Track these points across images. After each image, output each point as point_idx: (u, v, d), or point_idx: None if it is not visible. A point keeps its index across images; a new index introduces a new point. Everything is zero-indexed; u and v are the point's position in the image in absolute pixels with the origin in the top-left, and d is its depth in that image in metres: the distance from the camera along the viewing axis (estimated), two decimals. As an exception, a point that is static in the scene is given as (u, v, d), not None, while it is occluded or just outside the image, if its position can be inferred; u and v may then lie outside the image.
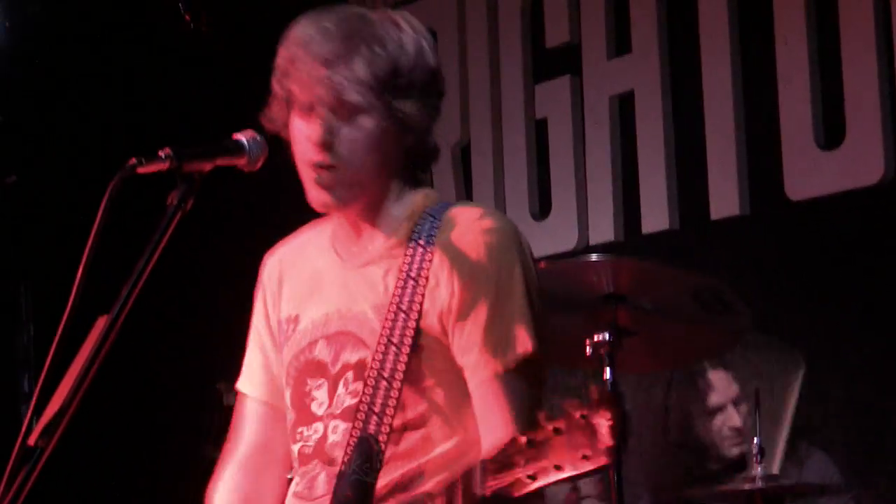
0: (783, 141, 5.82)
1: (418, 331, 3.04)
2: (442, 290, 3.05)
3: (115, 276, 2.79)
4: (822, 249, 5.75)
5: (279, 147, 3.14)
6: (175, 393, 6.21)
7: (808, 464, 5.25)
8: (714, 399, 5.33)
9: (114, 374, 2.99)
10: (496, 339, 3.01)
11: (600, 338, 3.97)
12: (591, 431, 2.32)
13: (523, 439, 2.41)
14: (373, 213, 3.18)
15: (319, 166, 3.09)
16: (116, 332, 2.71)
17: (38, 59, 7.19)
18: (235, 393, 3.44)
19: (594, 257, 4.16)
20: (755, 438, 4.83)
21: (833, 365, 5.64)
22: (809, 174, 5.74)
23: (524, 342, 3.01)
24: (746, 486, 4.63)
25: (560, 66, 6.63)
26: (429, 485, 2.97)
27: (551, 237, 6.48)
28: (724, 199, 5.99)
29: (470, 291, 3.03)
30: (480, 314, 3.02)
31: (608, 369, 3.99)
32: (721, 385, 5.31)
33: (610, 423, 2.31)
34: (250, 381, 3.39)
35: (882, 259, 5.58)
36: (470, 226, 3.11)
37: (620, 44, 6.42)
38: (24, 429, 2.61)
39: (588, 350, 4.00)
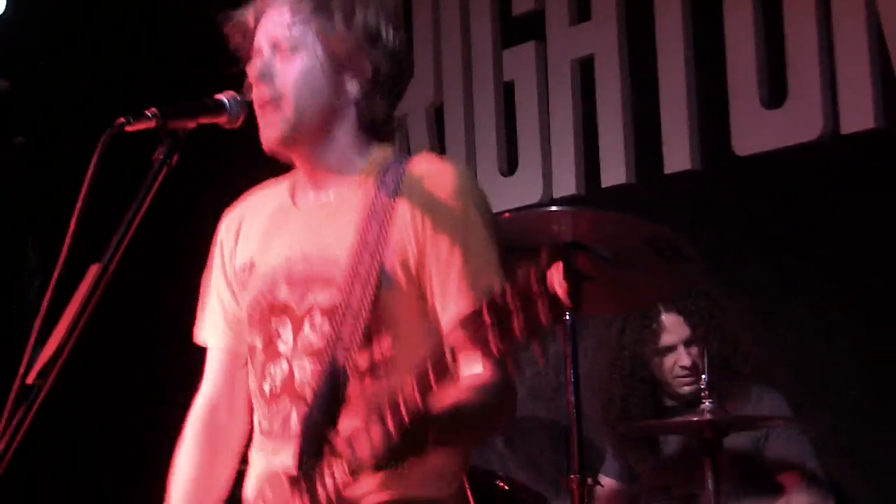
0: (730, 101, 5.81)
1: (382, 268, 2.99)
2: (408, 230, 3.01)
3: (107, 227, 2.74)
4: (768, 201, 5.74)
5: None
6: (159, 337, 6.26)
7: (759, 402, 5.21)
8: (666, 339, 5.30)
9: (105, 319, 2.94)
10: (468, 274, 2.96)
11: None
12: (546, 288, 2.32)
13: (485, 308, 2.39)
14: (331, 164, 3.15)
15: (262, 103, 3.07)
16: (106, 279, 2.69)
17: (40, 25, 7.13)
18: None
19: (555, 208, 4.11)
20: (703, 375, 4.82)
21: (782, 309, 5.63)
22: (755, 131, 5.72)
23: (492, 275, 2.96)
24: (696, 419, 4.59)
25: (525, 33, 6.59)
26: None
27: (518, 191, 6.47)
28: (677, 155, 5.97)
29: (436, 232, 2.99)
30: (449, 252, 2.98)
31: (567, 315, 3.94)
32: (673, 327, 5.28)
33: (561, 274, 2.32)
34: (211, 332, 3.37)
35: (823, 209, 5.57)
36: (431, 172, 3.08)
37: (581, 11, 6.37)
38: (21, 369, 2.59)
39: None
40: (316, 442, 2.92)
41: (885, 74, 5.33)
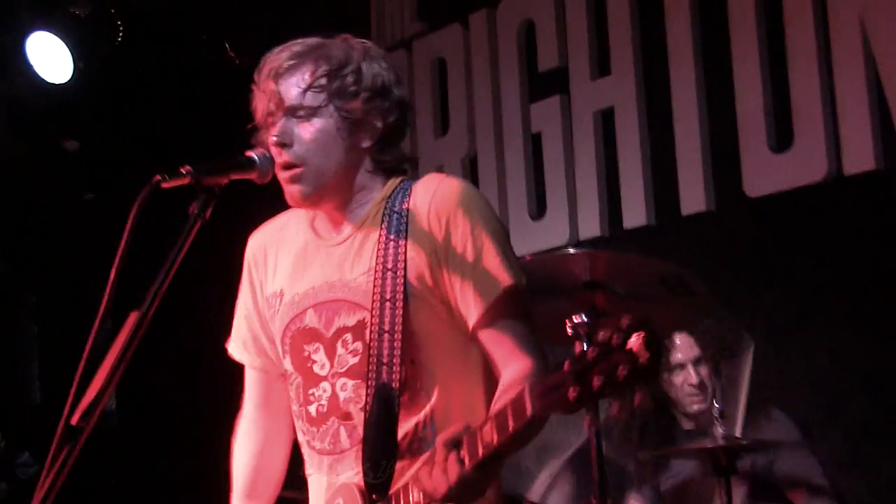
0: (741, 146, 5.80)
1: (406, 284, 2.99)
2: (424, 246, 3.01)
3: (144, 276, 2.75)
4: (778, 237, 5.72)
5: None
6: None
7: (769, 424, 5.19)
8: (677, 357, 5.28)
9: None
10: (479, 284, 2.96)
11: (579, 319, 3.91)
12: (627, 351, 2.29)
13: (568, 367, 2.38)
14: (350, 203, 3.14)
15: (285, 167, 3.06)
16: (145, 326, 2.67)
17: (103, 90, 7.19)
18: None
19: (572, 251, 4.11)
20: (715, 403, 4.79)
21: (791, 337, 5.60)
22: (764, 174, 5.71)
23: (504, 277, 2.96)
24: (709, 444, 4.57)
25: (551, 88, 6.60)
26: (444, 427, 2.86)
27: (546, 234, 6.48)
28: (693, 198, 5.97)
29: (448, 242, 3.00)
30: (462, 258, 2.99)
31: (586, 345, 3.93)
32: (684, 346, 5.26)
33: (643, 335, 2.28)
34: (243, 351, 3.37)
35: (829, 244, 5.55)
36: (435, 187, 3.08)
37: (602, 67, 6.39)
38: (66, 411, 2.57)
39: (569, 330, 3.94)
40: (379, 459, 2.94)
41: (883, 119, 5.32)
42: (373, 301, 3.00)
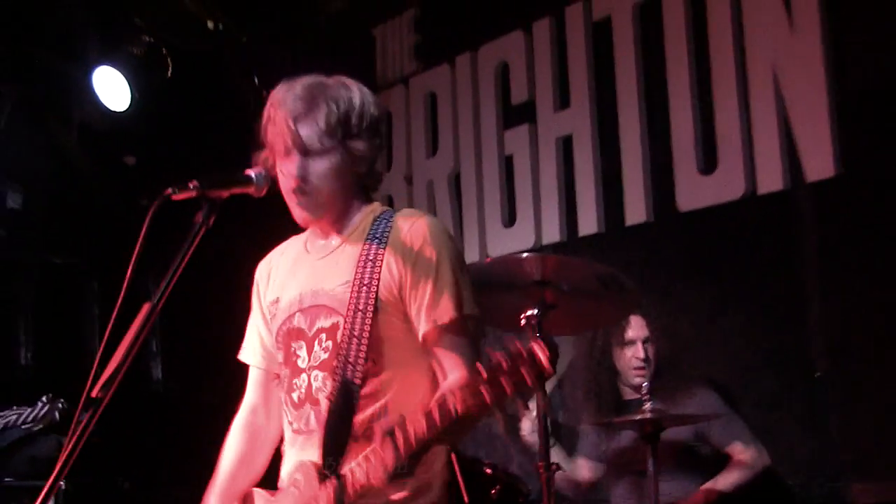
0: (675, 169, 5.79)
1: (377, 299, 2.98)
2: (394, 269, 3.00)
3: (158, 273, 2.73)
4: (703, 245, 5.72)
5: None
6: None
7: (695, 399, 5.15)
8: (629, 334, 5.27)
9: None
10: (434, 304, 2.96)
11: (531, 311, 3.89)
12: (532, 362, 2.34)
13: (484, 374, 2.40)
14: (339, 222, 3.14)
15: (298, 193, 3.05)
16: (155, 315, 2.67)
17: (157, 116, 7.18)
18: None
19: (525, 255, 4.08)
20: (644, 382, 4.76)
21: (713, 326, 5.60)
22: (693, 192, 5.70)
23: (456, 305, 2.96)
24: (638, 417, 4.54)
25: (521, 118, 6.58)
26: (393, 417, 2.85)
27: (516, 239, 6.47)
28: (635, 211, 5.95)
29: (415, 269, 2.99)
30: (423, 288, 2.98)
31: (537, 334, 3.91)
32: (636, 325, 5.25)
33: (543, 346, 2.34)
34: (251, 353, 3.36)
35: (743, 251, 5.54)
36: (412, 224, 3.06)
37: (563, 101, 6.37)
38: (88, 385, 2.57)
39: (522, 321, 3.91)
40: (337, 441, 2.93)
41: (789, 150, 5.31)
42: (347, 309, 2.99)
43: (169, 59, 7.10)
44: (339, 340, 2.99)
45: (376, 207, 3.18)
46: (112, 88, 6.99)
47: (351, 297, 3.00)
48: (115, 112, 7.00)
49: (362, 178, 3.14)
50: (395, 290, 2.99)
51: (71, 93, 7.12)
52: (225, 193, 2.81)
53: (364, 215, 3.14)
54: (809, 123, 5.20)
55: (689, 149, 5.69)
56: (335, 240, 3.14)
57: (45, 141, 7.54)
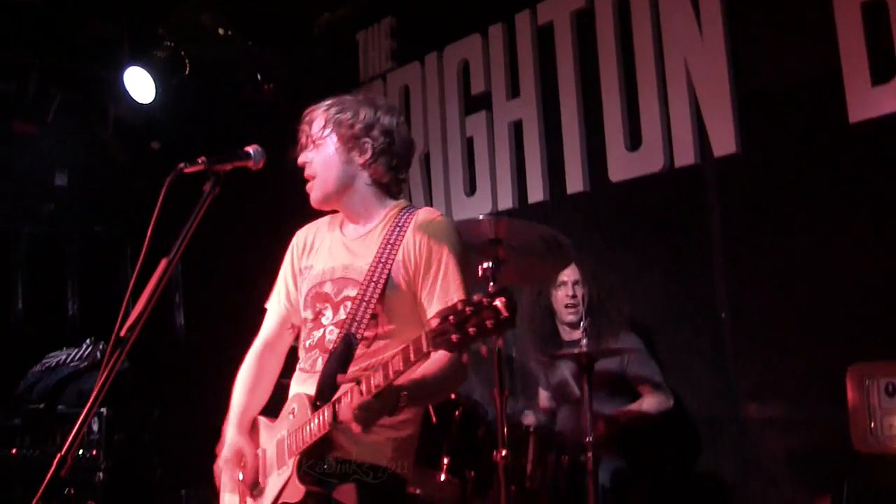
0: (607, 146, 5.75)
1: (389, 275, 3.01)
2: (410, 254, 3.04)
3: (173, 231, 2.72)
4: (629, 211, 5.69)
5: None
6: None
7: (624, 339, 5.16)
8: (562, 277, 5.26)
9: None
10: (443, 290, 2.99)
11: (487, 265, 3.89)
12: (493, 308, 2.33)
13: (452, 320, 2.39)
14: (359, 209, 3.18)
15: (307, 179, 3.14)
16: (171, 268, 2.67)
17: (178, 108, 7.15)
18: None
19: (482, 217, 4.06)
20: (575, 319, 4.76)
21: (637, 280, 5.57)
22: (621, 166, 5.67)
23: (458, 293, 2.98)
24: (576, 351, 4.56)
25: (479, 105, 6.54)
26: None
27: (476, 206, 6.45)
28: (574, 182, 5.92)
29: (427, 259, 3.02)
30: (434, 273, 3.01)
31: (492, 283, 3.91)
32: (568, 270, 5.23)
33: (504, 299, 2.33)
34: (276, 300, 3.36)
35: (663, 216, 5.53)
36: (427, 220, 3.11)
37: (514, 92, 6.33)
38: (116, 326, 2.55)
39: (480, 272, 3.92)
40: (331, 381, 2.94)
41: (700, 130, 5.29)
42: (364, 279, 3.03)
43: (187, 61, 7.07)
44: (354, 304, 3.01)
45: (402, 203, 3.21)
46: (140, 85, 6.98)
47: (369, 270, 3.04)
48: (142, 105, 6.99)
49: (374, 174, 3.16)
50: (408, 270, 3.02)
51: (107, 91, 7.10)
52: (228, 167, 2.80)
53: (390, 209, 3.18)
54: (715, 110, 5.19)
55: (617, 130, 5.67)
56: (367, 227, 3.17)
57: (87, 131, 7.52)
